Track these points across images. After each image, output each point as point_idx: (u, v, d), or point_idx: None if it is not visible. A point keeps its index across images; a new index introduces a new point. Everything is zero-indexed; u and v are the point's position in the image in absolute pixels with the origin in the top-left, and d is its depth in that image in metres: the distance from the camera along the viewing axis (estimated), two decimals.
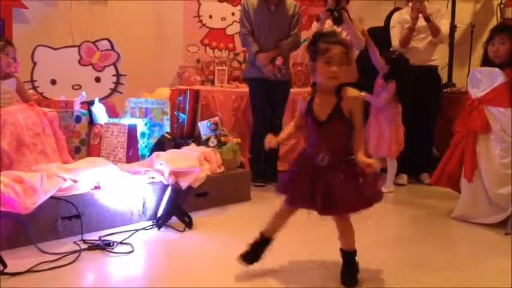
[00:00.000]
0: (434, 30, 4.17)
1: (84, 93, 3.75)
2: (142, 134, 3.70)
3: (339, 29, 4.00)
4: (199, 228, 2.93)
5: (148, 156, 3.42)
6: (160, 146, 3.57)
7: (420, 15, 4.14)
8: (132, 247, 2.56)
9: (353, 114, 2.08)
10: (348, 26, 3.83)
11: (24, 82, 3.48)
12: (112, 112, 3.95)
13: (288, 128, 2.29)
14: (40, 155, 3.00)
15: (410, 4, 4.31)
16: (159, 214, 2.96)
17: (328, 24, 3.99)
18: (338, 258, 2.22)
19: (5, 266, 2.20)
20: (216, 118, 3.88)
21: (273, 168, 4.12)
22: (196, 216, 3.01)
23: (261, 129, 4.01)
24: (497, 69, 3.02)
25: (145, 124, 3.74)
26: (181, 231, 2.85)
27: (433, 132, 4.43)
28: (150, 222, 2.96)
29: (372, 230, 2.99)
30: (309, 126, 2.16)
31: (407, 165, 4.22)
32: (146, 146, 3.71)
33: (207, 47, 5.17)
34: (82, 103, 3.70)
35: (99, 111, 3.77)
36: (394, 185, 4.06)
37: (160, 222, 2.90)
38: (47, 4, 4.56)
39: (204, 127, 3.82)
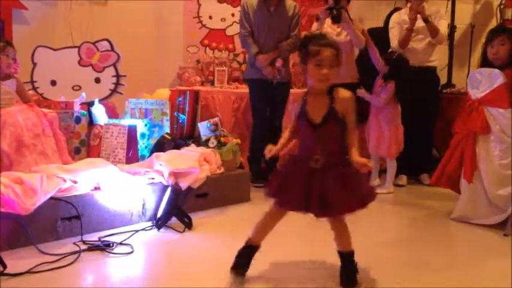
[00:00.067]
0: (433, 31, 4.17)
1: (84, 94, 3.74)
2: (142, 135, 3.70)
3: (338, 29, 4.02)
4: (199, 229, 2.93)
5: (148, 157, 3.42)
6: (160, 146, 3.57)
7: (418, 16, 4.14)
8: (132, 248, 2.56)
9: (346, 115, 2.08)
10: (348, 25, 3.83)
11: (24, 83, 3.48)
12: (112, 113, 3.95)
13: (285, 134, 2.29)
14: (40, 156, 3.00)
15: (408, 5, 4.32)
16: (158, 215, 2.96)
17: (328, 24, 4.00)
18: (338, 258, 2.21)
19: (4, 266, 2.19)
20: (216, 119, 3.88)
21: (272, 169, 4.11)
22: (196, 217, 3.01)
23: (260, 130, 4.03)
24: (496, 70, 3.02)
25: (145, 125, 3.75)
26: (181, 232, 2.85)
27: (432, 133, 4.43)
28: (150, 223, 2.96)
29: (371, 230, 2.99)
30: (302, 129, 2.16)
31: (407, 166, 4.22)
32: (146, 147, 3.71)
33: (207, 48, 5.18)
34: (82, 104, 3.70)
35: (99, 112, 3.77)
36: (394, 185, 4.06)
37: (160, 223, 2.90)
38: (46, 5, 4.56)
39: (203, 128, 3.81)
